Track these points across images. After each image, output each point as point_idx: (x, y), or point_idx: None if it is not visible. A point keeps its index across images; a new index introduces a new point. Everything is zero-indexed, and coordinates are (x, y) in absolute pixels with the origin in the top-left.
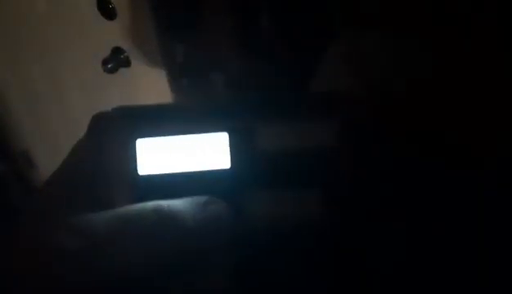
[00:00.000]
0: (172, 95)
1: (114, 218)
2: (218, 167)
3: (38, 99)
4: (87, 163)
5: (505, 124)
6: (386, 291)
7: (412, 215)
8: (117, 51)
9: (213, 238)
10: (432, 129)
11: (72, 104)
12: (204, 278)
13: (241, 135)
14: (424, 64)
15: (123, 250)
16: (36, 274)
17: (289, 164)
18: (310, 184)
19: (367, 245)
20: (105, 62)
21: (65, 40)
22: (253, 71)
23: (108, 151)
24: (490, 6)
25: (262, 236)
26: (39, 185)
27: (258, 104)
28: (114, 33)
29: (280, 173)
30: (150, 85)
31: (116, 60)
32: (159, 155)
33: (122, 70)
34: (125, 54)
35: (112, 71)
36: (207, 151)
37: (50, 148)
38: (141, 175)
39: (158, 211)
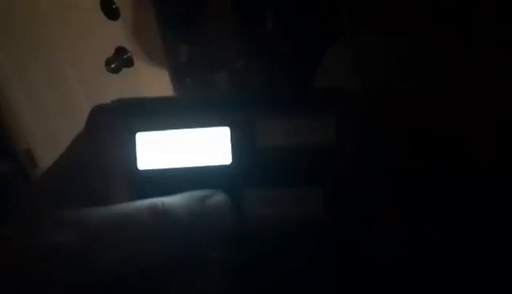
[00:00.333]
0: (175, 95)
1: (109, 215)
2: (219, 163)
3: (41, 98)
4: (85, 157)
5: (506, 124)
6: (386, 290)
7: (414, 212)
8: (120, 50)
9: (210, 233)
10: (432, 129)
11: (75, 103)
12: (203, 275)
13: (243, 131)
14: (424, 64)
15: (115, 248)
16: (23, 269)
17: (291, 160)
18: (311, 181)
19: (367, 241)
20: (108, 62)
21: (68, 40)
22: (257, 71)
23: (107, 145)
24: (490, 7)
25: (263, 232)
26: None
27: (260, 100)
28: (117, 33)
29: (281, 169)
30: (153, 84)
31: (119, 60)
32: (159, 149)
33: (125, 70)
34: (128, 54)
35: (115, 71)
36: (208, 146)
37: (53, 147)
38: (141, 170)
39: (152, 209)
